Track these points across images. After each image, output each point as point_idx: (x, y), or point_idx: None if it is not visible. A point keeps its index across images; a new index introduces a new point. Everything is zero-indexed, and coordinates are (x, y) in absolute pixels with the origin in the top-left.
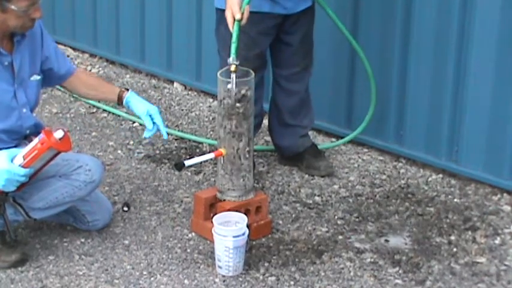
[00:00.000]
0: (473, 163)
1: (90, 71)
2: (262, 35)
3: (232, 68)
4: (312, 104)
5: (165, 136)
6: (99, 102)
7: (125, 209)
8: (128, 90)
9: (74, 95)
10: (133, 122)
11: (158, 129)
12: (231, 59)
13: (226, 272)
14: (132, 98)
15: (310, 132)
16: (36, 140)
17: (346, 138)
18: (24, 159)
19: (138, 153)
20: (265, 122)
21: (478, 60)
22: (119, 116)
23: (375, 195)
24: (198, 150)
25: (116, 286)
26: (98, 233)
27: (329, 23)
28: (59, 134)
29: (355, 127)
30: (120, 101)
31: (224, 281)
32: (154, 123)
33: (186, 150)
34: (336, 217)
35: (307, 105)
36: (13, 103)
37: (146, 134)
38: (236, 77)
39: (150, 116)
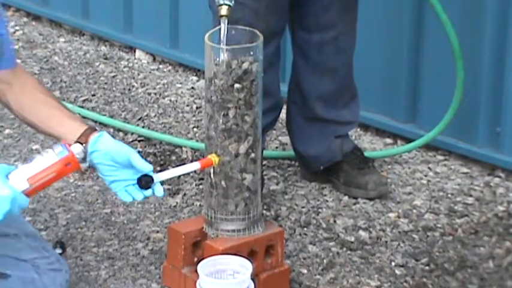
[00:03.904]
0: None
1: None
2: None
3: (223, 10)
4: (357, 88)
5: (159, 194)
6: None
7: (58, 251)
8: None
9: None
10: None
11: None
12: None
13: None
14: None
15: (352, 131)
16: (51, 156)
17: (416, 142)
18: (30, 185)
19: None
20: (282, 114)
21: None
22: None
23: (456, 230)
24: (174, 158)
25: None
26: None
27: None
28: (76, 147)
29: (424, 122)
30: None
31: None
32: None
33: (156, 157)
34: (393, 264)
35: (349, 90)
36: None
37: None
38: (234, 39)
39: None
